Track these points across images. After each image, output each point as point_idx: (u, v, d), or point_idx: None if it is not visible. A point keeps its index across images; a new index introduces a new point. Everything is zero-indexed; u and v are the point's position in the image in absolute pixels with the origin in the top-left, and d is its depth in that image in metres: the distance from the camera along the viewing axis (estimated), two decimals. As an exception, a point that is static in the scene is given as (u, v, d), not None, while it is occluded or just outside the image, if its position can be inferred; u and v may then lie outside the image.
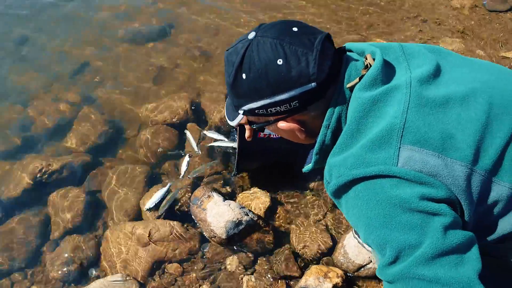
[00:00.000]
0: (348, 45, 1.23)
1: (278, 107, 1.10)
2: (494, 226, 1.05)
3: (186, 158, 2.50)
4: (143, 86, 3.29)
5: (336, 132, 1.11)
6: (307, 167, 1.25)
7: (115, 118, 3.01)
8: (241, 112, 1.17)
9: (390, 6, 3.77)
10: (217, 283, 2.02)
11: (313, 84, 1.05)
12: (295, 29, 1.09)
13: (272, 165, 2.44)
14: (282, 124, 1.16)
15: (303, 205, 2.27)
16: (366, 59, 1.10)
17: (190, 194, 2.36)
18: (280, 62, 1.04)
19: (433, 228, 0.92)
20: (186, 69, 3.42)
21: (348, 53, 1.20)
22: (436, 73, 1.09)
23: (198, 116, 2.92)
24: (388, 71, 1.10)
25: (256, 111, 1.13)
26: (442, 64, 1.13)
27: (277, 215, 2.26)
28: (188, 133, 2.70)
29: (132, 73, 3.42)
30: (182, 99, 2.99)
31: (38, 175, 2.57)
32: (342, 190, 1.04)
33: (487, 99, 1.03)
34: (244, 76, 1.09)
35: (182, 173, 2.47)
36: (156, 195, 2.34)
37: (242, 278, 2.02)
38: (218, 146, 2.59)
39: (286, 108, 1.10)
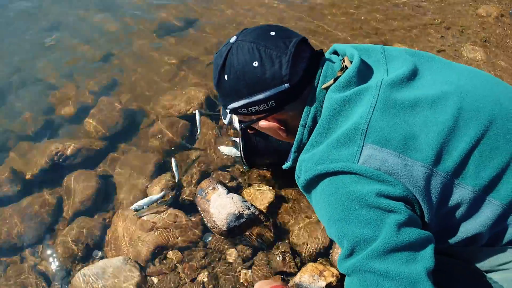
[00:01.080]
0: (335, 46, 1.28)
1: (256, 107, 1.16)
2: (457, 228, 1.06)
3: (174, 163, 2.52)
4: (162, 78, 3.37)
5: (312, 130, 1.15)
6: (286, 165, 1.31)
7: (132, 107, 3.10)
8: (227, 111, 1.24)
9: (413, 13, 3.73)
10: (215, 273, 2.06)
11: (286, 85, 1.11)
12: (272, 33, 1.15)
13: (279, 162, 2.47)
14: (263, 123, 1.23)
15: (306, 204, 2.29)
16: (344, 61, 1.14)
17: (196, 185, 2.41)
18: (255, 64, 1.11)
19: (387, 224, 0.95)
20: (205, 63, 3.48)
21: (331, 55, 1.25)
22: (411, 76, 1.12)
23: (212, 110, 2.96)
24: (365, 73, 1.14)
25: (238, 110, 1.20)
26: (421, 67, 1.16)
27: (280, 211, 2.28)
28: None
29: (153, 65, 3.51)
30: (199, 93, 3.05)
31: (55, 157, 2.68)
32: (310, 184, 1.09)
33: (458, 103, 1.05)
34: (226, 77, 1.16)
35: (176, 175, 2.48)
36: (147, 199, 2.31)
37: (240, 271, 2.06)
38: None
39: (264, 108, 1.16)
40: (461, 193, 1.01)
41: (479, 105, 1.06)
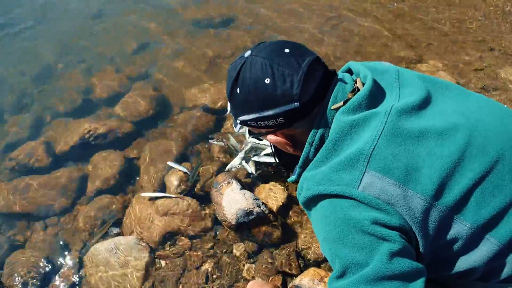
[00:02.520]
0: (350, 64, 1.27)
1: (266, 122, 1.18)
2: (452, 261, 1.04)
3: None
4: (195, 71, 3.47)
5: (319, 148, 1.16)
6: (291, 178, 1.33)
7: (163, 95, 3.22)
8: (238, 122, 1.27)
9: (454, 29, 3.64)
10: (220, 264, 2.13)
11: (296, 104, 1.11)
12: (287, 50, 1.15)
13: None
14: (271, 137, 1.25)
15: (316, 209, 2.32)
16: (356, 82, 1.14)
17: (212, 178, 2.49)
18: (267, 81, 1.12)
19: (380, 252, 0.95)
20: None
21: (344, 73, 1.24)
22: (422, 104, 1.10)
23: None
24: (376, 96, 1.13)
25: (248, 122, 1.23)
26: (434, 96, 1.13)
27: (290, 213, 2.32)
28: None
29: (188, 57, 3.63)
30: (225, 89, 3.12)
31: (86, 136, 2.84)
32: (309, 203, 1.11)
33: (466, 137, 1.03)
34: (238, 90, 1.19)
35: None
36: (161, 195, 2.42)
37: (244, 265, 2.12)
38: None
39: (273, 123, 1.18)
40: (459, 228, 0.99)
41: (489, 140, 1.05)
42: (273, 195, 2.34)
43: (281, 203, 2.31)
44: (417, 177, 1.00)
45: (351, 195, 1.00)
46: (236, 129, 1.35)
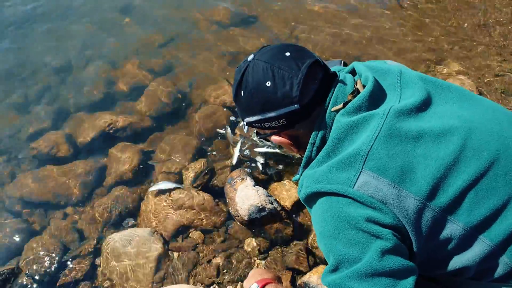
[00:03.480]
0: (354, 64, 1.30)
1: (269, 123, 1.23)
2: (445, 261, 1.06)
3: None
4: (216, 68, 3.52)
5: (321, 149, 1.20)
6: (295, 177, 1.36)
7: (183, 91, 3.27)
8: (244, 123, 1.32)
9: (477, 33, 3.58)
10: (231, 258, 2.16)
11: (296, 105, 1.15)
12: (287, 54, 1.19)
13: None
14: (275, 138, 1.30)
15: (329, 208, 2.33)
16: (356, 84, 1.16)
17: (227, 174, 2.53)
18: (268, 84, 1.16)
19: (372, 248, 0.98)
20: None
21: (346, 74, 1.26)
22: (422, 106, 1.12)
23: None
24: (377, 97, 1.15)
25: (253, 124, 1.28)
26: (434, 97, 1.15)
27: (303, 211, 2.34)
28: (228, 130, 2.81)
29: (210, 54, 3.67)
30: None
31: (106, 129, 2.91)
32: (308, 199, 1.15)
33: (462, 139, 1.05)
34: (242, 93, 1.23)
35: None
36: (163, 184, 2.47)
37: (254, 261, 2.15)
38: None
39: (276, 125, 1.22)
40: (452, 228, 1.01)
41: (484, 143, 1.06)
42: (286, 193, 2.37)
43: (293, 201, 2.33)
44: (412, 178, 1.02)
45: (347, 194, 1.03)
46: (244, 130, 1.40)
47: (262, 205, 2.18)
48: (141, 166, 2.71)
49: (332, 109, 1.16)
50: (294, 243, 2.20)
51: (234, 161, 2.60)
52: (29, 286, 2.06)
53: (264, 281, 1.30)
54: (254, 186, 2.28)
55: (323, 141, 1.20)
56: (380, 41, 3.62)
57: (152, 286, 2.05)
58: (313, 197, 1.12)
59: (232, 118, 2.97)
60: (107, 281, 2.12)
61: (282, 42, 1.18)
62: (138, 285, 2.06)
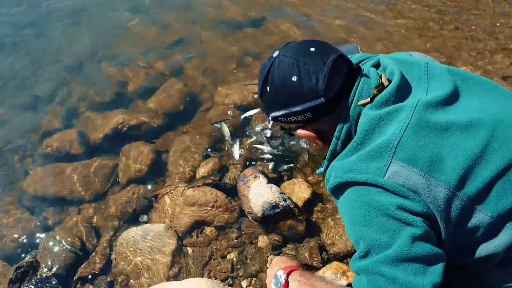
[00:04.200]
0: (379, 57, 1.33)
1: (295, 117, 1.27)
2: (472, 248, 1.10)
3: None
4: (225, 69, 3.56)
5: (346, 142, 1.23)
6: (319, 170, 1.40)
7: (194, 92, 3.32)
8: (270, 118, 1.35)
9: (484, 35, 3.63)
10: (244, 254, 2.20)
11: (322, 99, 1.19)
12: (312, 49, 1.23)
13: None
14: (300, 131, 1.34)
15: (341, 206, 2.36)
16: (381, 78, 1.20)
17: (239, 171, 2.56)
18: (294, 79, 1.21)
19: (403, 235, 1.02)
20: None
21: (370, 68, 1.30)
22: (449, 99, 1.15)
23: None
24: (404, 90, 1.19)
25: (279, 118, 1.32)
26: (461, 90, 1.19)
27: (315, 209, 2.37)
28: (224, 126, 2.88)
29: (219, 55, 3.72)
30: (254, 87, 3.20)
31: (119, 127, 2.96)
32: (337, 189, 1.18)
33: (489, 131, 1.09)
34: (268, 89, 1.28)
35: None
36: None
37: (268, 257, 2.18)
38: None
39: (301, 118, 1.26)
40: (480, 217, 1.05)
41: (510, 134, 1.09)
42: (297, 191, 2.40)
43: (305, 199, 2.36)
44: (441, 168, 1.05)
45: (377, 183, 1.07)
46: (269, 125, 1.44)
47: (275, 202, 2.21)
48: (154, 164, 2.74)
49: (359, 103, 1.20)
50: (307, 240, 2.23)
51: (236, 156, 2.66)
52: (47, 279, 2.09)
53: (289, 268, 1.33)
54: (268, 183, 2.32)
55: (348, 134, 1.24)
56: (388, 42, 3.67)
57: (167, 280, 2.08)
58: (342, 187, 1.16)
59: (229, 112, 3.02)
60: (123, 275, 2.16)
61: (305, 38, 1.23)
62: (153, 279, 2.10)
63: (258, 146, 2.72)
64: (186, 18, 4.29)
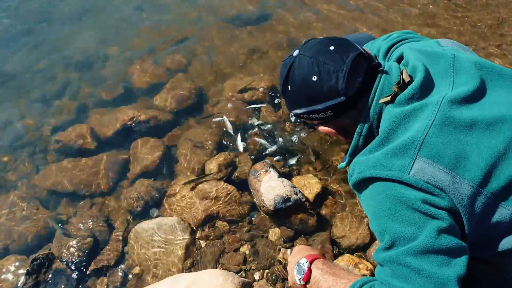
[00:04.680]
0: (403, 49, 1.35)
1: (316, 115, 1.30)
2: (494, 242, 1.12)
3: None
4: (232, 65, 3.58)
5: (367, 138, 1.26)
6: (341, 165, 1.43)
7: (201, 87, 3.34)
8: (292, 114, 1.38)
9: (491, 31, 3.66)
10: (256, 248, 2.23)
11: (342, 98, 1.22)
12: (331, 48, 1.25)
13: (334, 156, 2.60)
14: (322, 128, 1.36)
15: (351, 200, 2.39)
16: (402, 74, 1.22)
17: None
18: (314, 78, 1.23)
19: (429, 228, 1.04)
20: (272, 57, 3.65)
21: (392, 63, 1.31)
22: (475, 95, 1.16)
23: (272, 99, 3.12)
24: (428, 85, 1.20)
25: (301, 115, 1.35)
26: (487, 84, 1.19)
27: (325, 203, 2.40)
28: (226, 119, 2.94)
29: (225, 51, 3.74)
30: (263, 82, 3.22)
31: (129, 122, 2.98)
32: (360, 184, 1.20)
33: None
34: (289, 87, 1.31)
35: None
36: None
37: (279, 249, 2.21)
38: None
39: (322, 116, 1.29)
40: (503, 213, 1.06)
41: None
42: (307, 185, 2.43)
43: (316, 193, 2.39)
44: (466, 165, 1.07)
45: (402, 180, 1.08)
46: (292, 120, 1.47)
47: (287, 195, 2.24)
48: (164, 159, 2.77)
49: (380, 101, 1.22)
50: (318, 233, 2.26)
51: (240, 148, 2.72)
52: (62, 271, 2.12)
53: (312, 256, 1.35)
54: (279, 177, 2.35)
55: (370, 130, 1.26)
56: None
57: (182, 271, 2.11)
58: (365, 182, 1.18)
59: (229, 105, 3.07)
60: (137, 267, 2.19)
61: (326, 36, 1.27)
62: (167, 271, 2.13)
63: (260, 140, 2.77)
64: (193, 14, 4.31)
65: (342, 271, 1.30)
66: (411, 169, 1.09)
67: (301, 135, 2.71)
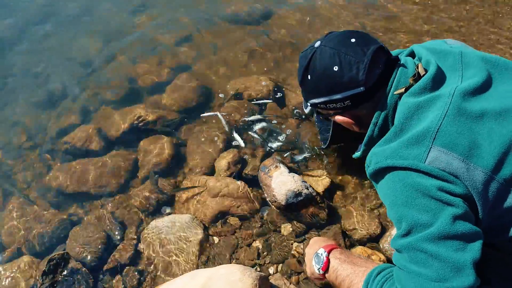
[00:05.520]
0: (413, 47, 1.40)
1: (334, 104, 1.34)
2: (507, 227, 1.17)
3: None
4: (236, 63, 3.60)
5: (383, 129, 1.30)
6: (356, 154, 1.47)
7: (207, 86, 3.36)
8: (308, 104, 1.42)
9: (488, 25, 3.70)
10: (269, 242, 2.26)
11: (362, 88, 1.27)
12: (353, 40, 1.31)
13: (340, 149, 2.62)
14: (338, 117, 1.41)
15: (361, 193, 2.42)
16: (418, 67, 1.27)
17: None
18: (335, 68, 1.28)
19: (445, 214, 1.09)
20: (276, 55, 3.67)
21: (406, 57, 1.36)
22: (483, 86, 1.22)
23: (278, 98, 3.14)
24: (440, 78, 1.26)
25: (318, 105, 1.39)
26: (494, 76, 1.25)
27: (335, 196, 2.43)
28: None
29: (228, 50, 3.76)
30: (267, 80, 3.24)
31: (136, 122, 3.00)
32: (378, 174, 1.25)
33: None
34: (309, 77, 1.34)
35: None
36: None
37: (292, 244, 2.24)
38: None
39: (340, 106, 1.34)
40: None
41: None
42: (318, 179, 2.46)
43: (325, 187, 2.42)
44: (479, 153, 1.12)
45: (419, 168, 1.13)
46: (306, 111, 1.51)
47: (298, 190, 2.27)
48: (173, 157, 2.79)
49: (396, 92, 1.27)
50: (329, 227, 2.29)
51: (242, 144, 2.76)
52: (78, 270, 2.14)
53: (330, 246, 1.39)
54: (289, 172, 2.37)
55: (385, 121, 1.31)
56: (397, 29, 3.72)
57: (197, 267, 2.14)
58: (382, 172, 1.23)
59: (221, 95, 3.16)
60: (151, 265, 2.21)
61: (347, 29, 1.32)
62: (183, 268, 2.15)
63: (262, 136, 2.82)
64: (196, 13, 4.32)
65: (359, 259, 1.34)
66: (426, 158, 1.13)
67: (306, 131, 2.74)
